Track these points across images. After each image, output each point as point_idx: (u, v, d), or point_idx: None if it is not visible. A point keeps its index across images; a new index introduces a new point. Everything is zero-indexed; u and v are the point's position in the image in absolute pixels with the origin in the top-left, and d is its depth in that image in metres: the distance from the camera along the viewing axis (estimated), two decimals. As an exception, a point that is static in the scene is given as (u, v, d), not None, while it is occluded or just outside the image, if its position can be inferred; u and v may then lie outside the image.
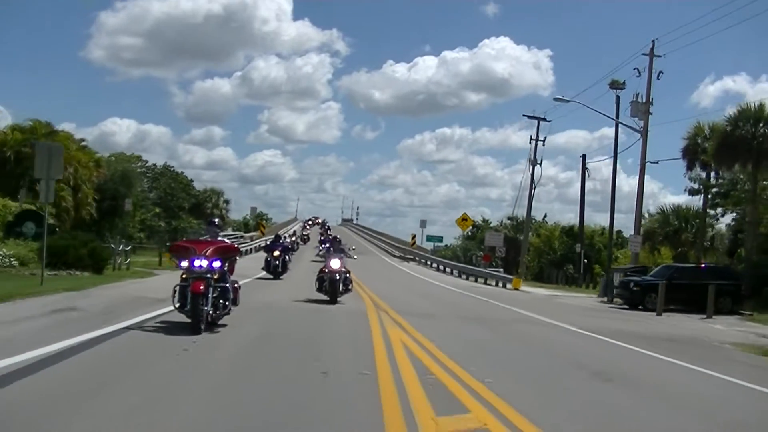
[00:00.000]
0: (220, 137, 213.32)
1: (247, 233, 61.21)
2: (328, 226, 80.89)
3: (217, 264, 11.39)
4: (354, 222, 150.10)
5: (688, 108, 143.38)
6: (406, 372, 8.49)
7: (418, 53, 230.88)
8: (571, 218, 71.56)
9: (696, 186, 34.92)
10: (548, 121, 51.51)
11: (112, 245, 27.79)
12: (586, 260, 43.65)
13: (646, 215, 42.72)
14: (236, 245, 14.73)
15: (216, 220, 13.65)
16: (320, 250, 41.33)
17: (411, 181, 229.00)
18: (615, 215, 45.65)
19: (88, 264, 21.20)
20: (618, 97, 39.49)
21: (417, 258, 56.55)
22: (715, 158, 30.16)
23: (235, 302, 12.28)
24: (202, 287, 10.95)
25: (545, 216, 67.44)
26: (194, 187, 70.38)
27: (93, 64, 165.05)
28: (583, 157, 46.31)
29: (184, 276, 11.48)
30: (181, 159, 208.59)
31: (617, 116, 38.82)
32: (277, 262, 28.63)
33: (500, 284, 36.41)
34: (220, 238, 12.73)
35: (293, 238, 48.89)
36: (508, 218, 63.53)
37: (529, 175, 50.15)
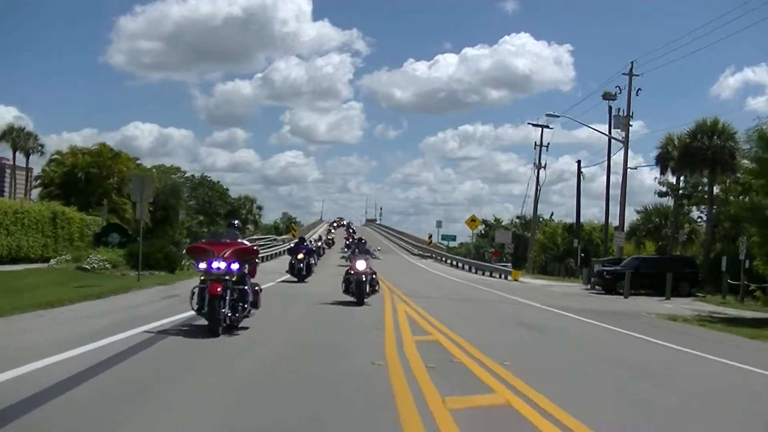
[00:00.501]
0: (243, 139, 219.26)
1: (279, 236, 66.81)
2: (353, 229, 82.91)
3: (235, 266, 11.37)
4: (377, 222, 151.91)
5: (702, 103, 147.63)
6: (403, 326, 13.60)
7: (439, 51, 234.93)
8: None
9: (664, 189, 39.96)
10: (551, 128, 56.55)
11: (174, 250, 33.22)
12: (583, 254, 48.50)
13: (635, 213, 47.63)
14: (256, 247, 14.22)
15: (235, 221, 13.58)
16: (345, 253, 41.48)
17: (434, 179, 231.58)
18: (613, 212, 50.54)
19: (164, 265, 26.44)
20: (610, 108, 44.09)
21: (434, 255, 61.94)
22: (679, 165, 35.14)
23: (255, 305, 12.25)
24: (219, 289, 10.90)
25: (552, 214, 72.43)
26: (230, 195, 76.69)
27: (113, 69, 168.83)
28: (578, 162, 51.43)
29: (202, 278, 11.47)
30: (204, 162, 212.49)
31: (611, 126, 43.50)
32: (302, 264, 28.21)
33: (503, 276, 41.55)
34: (239, 240, 12.60)
35: (319, 243, 48.25)
36: (517, 217, 68.54)
37: (535, 178, 55.42)
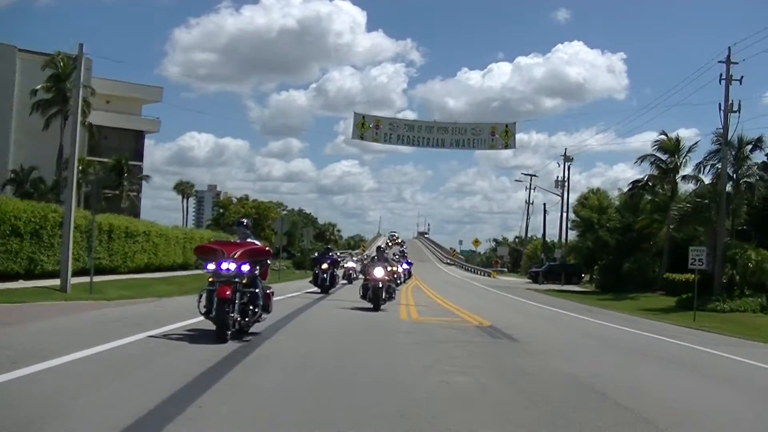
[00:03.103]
0: (298, 149, 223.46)
1: (353, 250, 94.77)
2: (404, 248, 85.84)
3: (246, 267, 10.55)
4: (426, 235, 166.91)
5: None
6: (417, 296, 40.42)
7: (492, 60, 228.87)
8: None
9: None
10: (537, 176, 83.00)
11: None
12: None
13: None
14: (267, 248, 12.53)
15: (245, 220, 12.48)
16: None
17: (489, 188, 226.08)
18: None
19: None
20: (565, 166, 70.31)
21: (456, 263, 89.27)
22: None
23: (266, 309, 11.39)
24: (228, 292, 10.14)
25: (544, 233, 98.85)
26: (317, 221, 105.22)
27: (168, 81, 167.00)
28: (544, 204, 78.08)
29: (210, 280, 10.60)
30: (260, 171, 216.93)
31: (567, 180, 69.63)
32: (325, 275, 27.04)
33: (488, 275, 68.47)
34: (250, 240, 11.66)
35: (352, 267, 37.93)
36: (516, 237, 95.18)
37: (532, 206, 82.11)
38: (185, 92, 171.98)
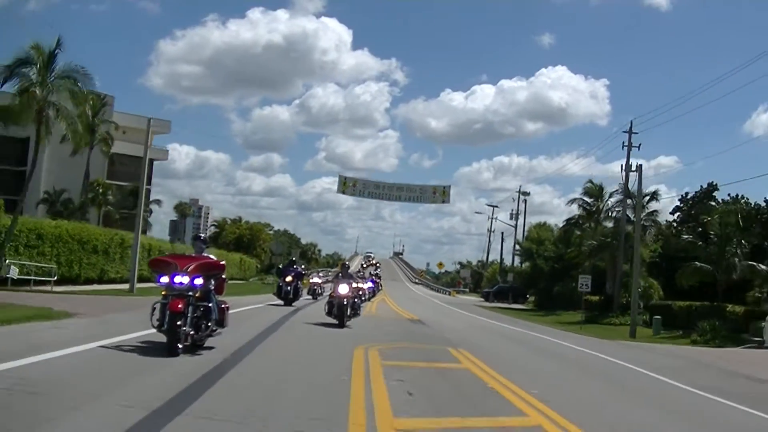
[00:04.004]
0: (279, 164, 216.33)
1: (331, 269, 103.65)
2: (378, 269, 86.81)
3: (199, 281, 10.55)
4: (401, 256, 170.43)
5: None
6: (380, 307, 49.58)
7: (476, 82, 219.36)
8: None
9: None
10: (497, 207, 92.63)
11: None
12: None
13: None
14: (222, 262, 12.02)
15: (202, 235, 12.56)
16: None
17: (468, 209, 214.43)
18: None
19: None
20: (519, 200, 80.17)
21: (423, 283, 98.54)
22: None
23: (221, 323, 11.35)
24: (180, 306, 10.08)
25: (501, 258, 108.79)
26: (301, 241, 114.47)
27: (152, 92, 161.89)
28: (502, 233, 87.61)
29: (164, 293, 10.60)
30: (240, 185, 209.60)
31: (525, 213, 79.36)
32: (289, 288, 26.71)
33: (450, 294, 77.72)
34: (205, 254, 11.58)
35: (317, 283, 38.27)
36: (478, 260, 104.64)
37: (493, 235, 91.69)
38: (169, 104, 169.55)
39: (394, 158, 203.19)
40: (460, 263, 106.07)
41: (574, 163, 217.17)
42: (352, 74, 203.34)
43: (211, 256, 11.84)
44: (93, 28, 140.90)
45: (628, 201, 45.39)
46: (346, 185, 35.52)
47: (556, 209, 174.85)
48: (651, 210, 47.11)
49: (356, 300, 20.53)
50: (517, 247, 67.50)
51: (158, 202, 69.01)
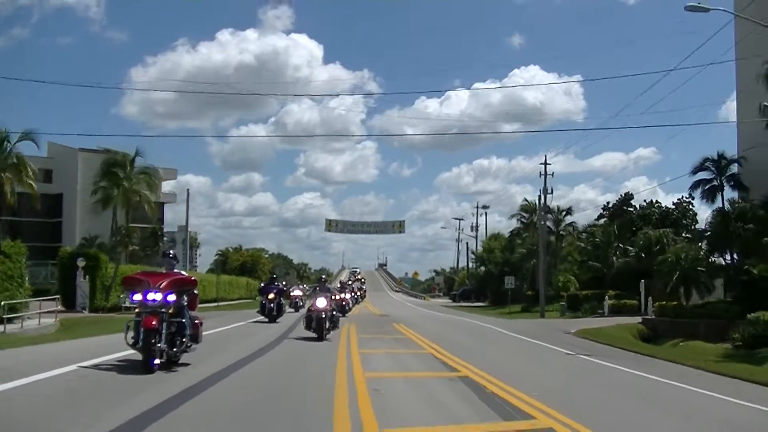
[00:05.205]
0: (259, 183, 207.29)
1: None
2: (363, 288, 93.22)
3: (172, 297, 10.69)
4: (384, 267, 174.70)
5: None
6: (361, 309, 61.91)
7: (449, 87, 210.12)
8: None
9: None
10: (462, 220, 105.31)
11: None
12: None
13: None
14: (193, 278, 12.23)
15: (171, 252, 12.32)
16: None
17: (451, 214, 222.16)
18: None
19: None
20: (477, 214, 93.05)
21: (402, 290, 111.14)
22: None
23: (195, 339, 11.50)
24: (154, 322, 10.20)
25: (468, 265, 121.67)
26: (293, 261, 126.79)
27: (126, 118, 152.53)
28: (467, 243, 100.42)
29: (137, 310, 10.69)
30: (222, 207, 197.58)
31: (486, 225, 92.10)
32: (272, 305, 27.31)
33: (424, 298, 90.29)
34: (176, 270, 11.75)
35: (299, 296, 37.26)
36: (450, 268, 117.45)
37: (462, 244, 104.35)
38: (144, 130, 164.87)
39: (374, 169, 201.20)
40: (435, 271, 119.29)
41: (553, 161, 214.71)
42: (326, 88, 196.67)
43: (183, 272, 12.17)
44: (63, 61, 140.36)
45: (549, 216, 58.25)
46: (331, 225, 48.74)
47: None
48: (568, 222, 60.18)
49: (334, 312, 20.65)
50: (473, 255, 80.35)
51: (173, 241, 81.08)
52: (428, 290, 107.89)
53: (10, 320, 23.88)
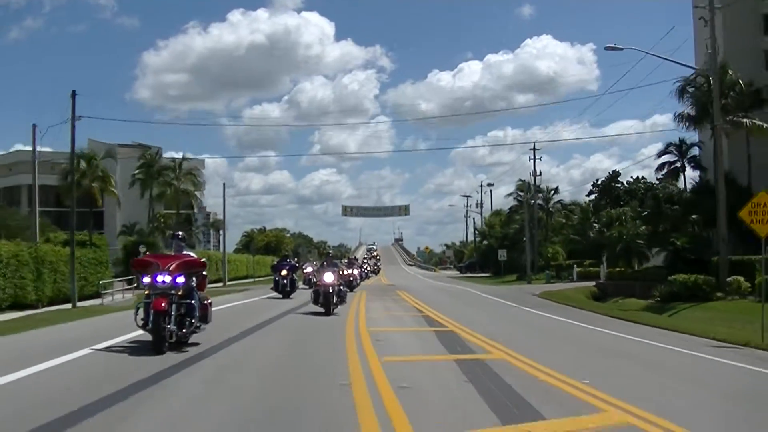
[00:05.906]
0: (275, 161, 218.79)
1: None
2: (378, 264, 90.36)
3: (181, 279, 10.74)
4: (400, 242, 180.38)
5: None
6: (374, 280, 69.01)
7: (462, 59, 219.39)
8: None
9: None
10: (469, 197, 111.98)
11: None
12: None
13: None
14: (202, 259, 12.22)
15: (180, 233, 12.31)
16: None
17: (467, 186, 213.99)
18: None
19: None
20: (482, 192, 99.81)
21: (416, 264, 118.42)
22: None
23: (205, 319, 11.59)
24: (164, 304, 10.26)
25: (475, 239, 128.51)
26: (313, 239, 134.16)
27: (141, 103, 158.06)
28: (474, 220, 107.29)
29: (147, 292, 10.81)
30: (239, 186, 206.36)
31: (490, 201, 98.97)
32: (285, 281, 27.89)
33: (434, 270, 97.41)
34: (185, 252, 11.78)
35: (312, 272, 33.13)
36: (461, 242, 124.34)
37: (470, 220, 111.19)
38: (158, 114, 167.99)
39: (389, 144, 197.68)
40: (446, 245, 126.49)
41: (568, 130, 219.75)
42: (338, 65, 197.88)
43: (192, 254, 12.03)
44: (75, 48, 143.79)
45: (539, 195, 65.06)
46: (346, 210, 56.18)
47: (555, 177, 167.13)
48: (557, 200, 67.07)
49: (342, 288, 20.54)
50: (476, 231, 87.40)
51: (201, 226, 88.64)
52: (440, 263, 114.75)
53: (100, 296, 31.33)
